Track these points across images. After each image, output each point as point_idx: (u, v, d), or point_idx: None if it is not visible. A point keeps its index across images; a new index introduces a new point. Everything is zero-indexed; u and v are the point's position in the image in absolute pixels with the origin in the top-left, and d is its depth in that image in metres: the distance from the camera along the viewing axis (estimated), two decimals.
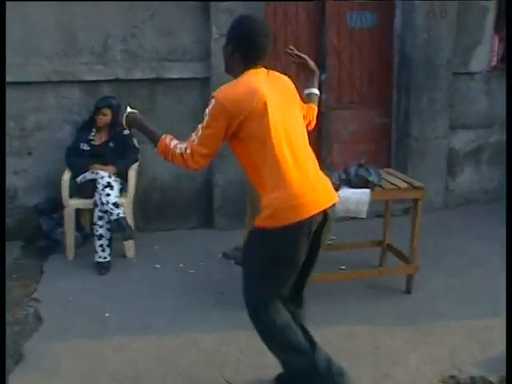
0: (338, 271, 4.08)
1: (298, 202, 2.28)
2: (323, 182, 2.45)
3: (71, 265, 4.25)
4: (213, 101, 2.28)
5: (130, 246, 4.32)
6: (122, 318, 3.46)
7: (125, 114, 2.52)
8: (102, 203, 4.04)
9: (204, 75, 4.65)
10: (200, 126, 2.30)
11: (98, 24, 4.51)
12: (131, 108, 2.57)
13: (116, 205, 4.05)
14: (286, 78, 2.55)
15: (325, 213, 2.37)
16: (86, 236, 4.56)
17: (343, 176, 3.44)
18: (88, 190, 4.25)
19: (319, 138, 5.34)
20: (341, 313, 3.53)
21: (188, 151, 2.29)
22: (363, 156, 3.89)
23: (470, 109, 5.43)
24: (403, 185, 3.61)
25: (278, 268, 2.38)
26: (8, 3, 4.24)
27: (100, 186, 4.06)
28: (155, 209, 4.87)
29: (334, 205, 2.43)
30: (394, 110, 5.40)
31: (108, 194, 4.05)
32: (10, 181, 4.61)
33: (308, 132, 2.58)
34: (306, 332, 2.55)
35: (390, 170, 3.95)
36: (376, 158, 5.49)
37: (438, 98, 5.19)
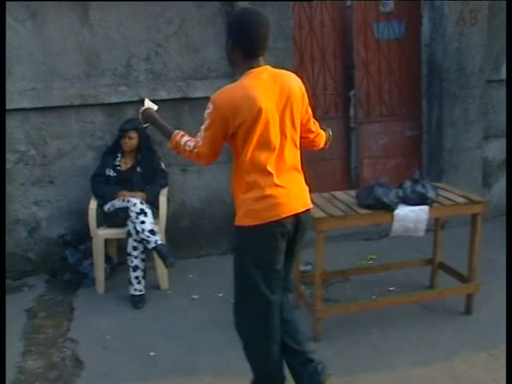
0: (389, 293, 3.85)
1: (271, 204, 2.36)
2: (301, 189, 2.51)
3: (102, 299, 3.97)
4: (212, 105, 2.33)
5: (164, 277, 4.06)
6: (168, 357, 3.19)
7: (141, 110, 2.63)
8: (137, 232, 3.79)
9: None
10: (202, 127, 2.38)
11: (119, 43, 4.30)
12: (150, 102, 2.70)
13: (153, 232, 3.79)
14: (293, 79, 2.48)
15: (298, 217, 2.43)
16: (113, 267, 4.31)
17: (400, 193, 3.22)
18: (117, 218, 3.99)
19: (348, 154, 5.14)
20: (401, 338, 3.30)
21: (195, 150, 2.39)
22: (417, 171, 3.67)
23: (503, 117, 5.25)
24: (460, 199, 3.39)
25: (257, 269, 2.41)
26: (27, 25, 4.06)
27: (133, 214, 3.81)
28: (184, 234, 4.61)
29: (307, 210, 2.50)
30: (424, 123, 5.21)
31: (143, 222, 3.79)
32: (32, 211, 4.35)
33: (313, 148, 2.73)
34: (286, 330, 2.58)
35: (442, 185, 3.74)
36: (407, 172, 5.30)
37: (471, 108, 5.01)
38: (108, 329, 3.53)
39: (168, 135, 2.53)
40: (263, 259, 2.40)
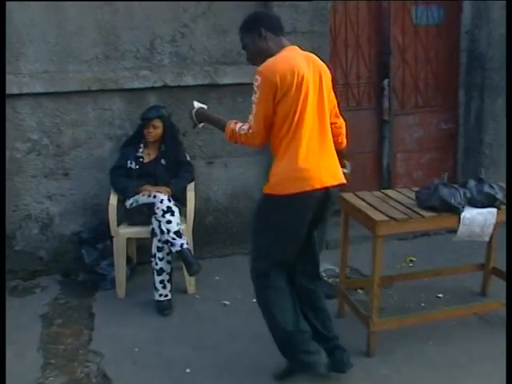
0: (438, 301, 3.55)
1: (302, 175, 2.44)
2: (333, 163, 2.58)
3: (124, 304, 3.62)
4: (258, 76, 2.42)
5: (191, 280, 3.71)
6: (207, 374, 2.85)
7: (194, 111, 2.71)
8: (162, 232, 3.43)
9: None
10: (252, 104, 2.44)
11: (142, 23, 3.91)
12: (199, 103, 2.76)
13: (179, 234, 3.44)
14: (323, 64, 2.62)
15: (327, 191, 2.51)
16: (133, 268, 3.95)
17: (468, 194, 2.89)
18: (141, 215, 3.64)
19: (380, 147, 4.80)
20: (460, 352, 2.99)
21: (250, 131, 2.45)
22: (483, 169, 3.35)
23: None
24: None
25: (279, 234, 2.53)
26: (44, 2, 3.67)
27: (159, 212, 3.45)
28: (208, 232, 4.26)
29: (339, 185, 2.58)
30: (461, 115, 4.88)
31: (169, 221, 3.44)
32: (44, 206, 3.98)
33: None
34: (318, 317, 2.73)
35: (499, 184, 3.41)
36: (441, 167, 4.97)
37: None
38: (134, 339, 3.18)
39: (222, 127, 2.59)
40: (287, 228, 2.51)
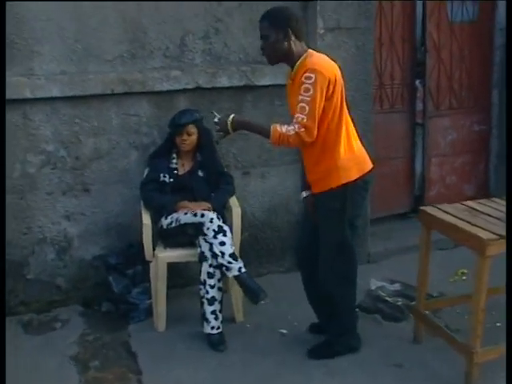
0: None
1: (359, 160, 2.72)
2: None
3: (166, 338, 3.15)
4: (314, 74, 2.49)
5: (239, 306, 3.29)
6: None
7: (230, 118, 2.64)
8: (215, 255, 3.00)
9: None
10: (304, 103, 2.49)
11: (172, 17, 3.46)
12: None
13: (234, 256, 3.02)
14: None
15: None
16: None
17: None
18: (181, 236, 3.19)
19: (413, 151, 4.51)
20: None
21: (302, 129, 2.50)
22: None
23: None
24: None
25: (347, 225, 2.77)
26: None
27: (210, 233, 3.01)
28: (242, 249, 3.80)
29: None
30: (495, 116, 4.65)
31: (222, 243, 3.01)
32: (61, 227, 3.46)
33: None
34: None
35: None
36: (474, 171, 4.74)
37: None
38: (193, 382, 2.74)
39: (267, 132, 2.57)
40: (358, 214, 2.83)
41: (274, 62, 2.70)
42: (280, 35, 2.60)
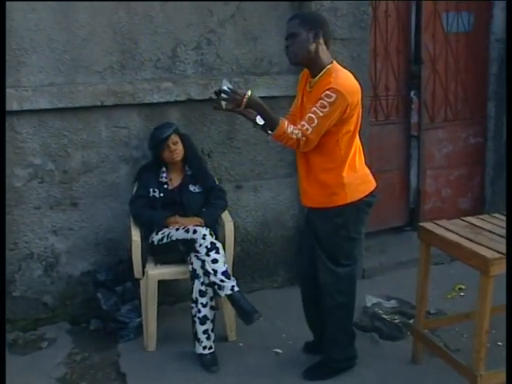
0: None
1: (366, 179, 2.72)
2: None
3: (156, 359, 3.05)
4: (336, 94, 2.44)
5: (232, 325, 3.20)
6: None
7: (247, 95, 2.44)
8: (208, 273, 2.91)
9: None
10: (315, 116, 2.46)
11: (163, 27, 3.38)
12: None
13: (227, 275, 2.93)
14: None
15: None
16: None
17: None
18: (172, 253, 3.10)
19: (408, 164, 4.44)
20: None
21: (304, 139, 2.47)
22: None
23: None
24: None
25: (354, 240, 2.79)
26: (53, 3, 3.09)
27: (202, 250, 2.92)
28: (234, 265, 3.73)
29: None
30: (490, 128, 4.60)
31: (215, 260, 2.92)
32: (49, 243, 3.36)
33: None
34: None
35: None
36: (469, 184, 4.68)
37: None
38: None
39: (274, 124, 2.47)
40: (360, 231, 2.80)
41: (296, 62, 2.61)
42: (310, 35, 2.52)
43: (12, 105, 3.12)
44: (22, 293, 3.35)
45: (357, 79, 2.61)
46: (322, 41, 2.55)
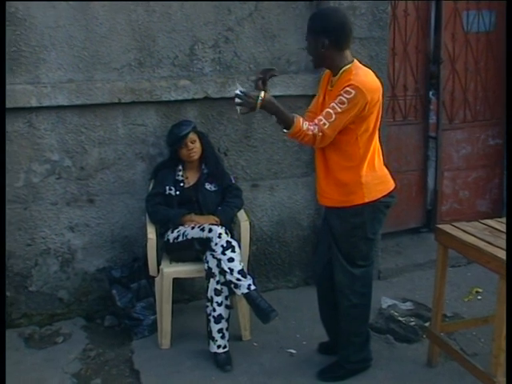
0: None
1: (383, 180, 2.69)
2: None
3: (171, 356, 3.05)
4: (355, 90, 2.43)
5: (246, 324, 3.19)
6: None
7: (261, 96, 2.43)
8: (224, 272, 2.90)
9: (315, 92, 3.59)
10: (333, 111, 2.44)
11: (181, 25, 3.38)
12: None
13: (243, 273, 2.92)
14: None
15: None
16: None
17: None
18: (187, 251, 3.10)
19: (426, 165, 4.39)
20: None
21: (320, 134, 2.45)
22: None
23: None
24: None
25: (372, 240, 2.76)
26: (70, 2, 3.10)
27: (218, 249, 2.92)
28: (251, 264, 3.73)
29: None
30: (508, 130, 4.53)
31: (231, 259, 2.91)
32: (65, 239, 3.38)
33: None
34: None
35: None
36: (487, 186, 4.62)
37: None
38: None
39: (289, 122, 2.45)
40: (377, 232, 2.76)
41: (316, 66, 2.66)
42: (318, 43, 2.52)
43: (31, 101, 3.14)
44: (38, 288, 3.37)
45: None
46: (330, 48, 2.51)
